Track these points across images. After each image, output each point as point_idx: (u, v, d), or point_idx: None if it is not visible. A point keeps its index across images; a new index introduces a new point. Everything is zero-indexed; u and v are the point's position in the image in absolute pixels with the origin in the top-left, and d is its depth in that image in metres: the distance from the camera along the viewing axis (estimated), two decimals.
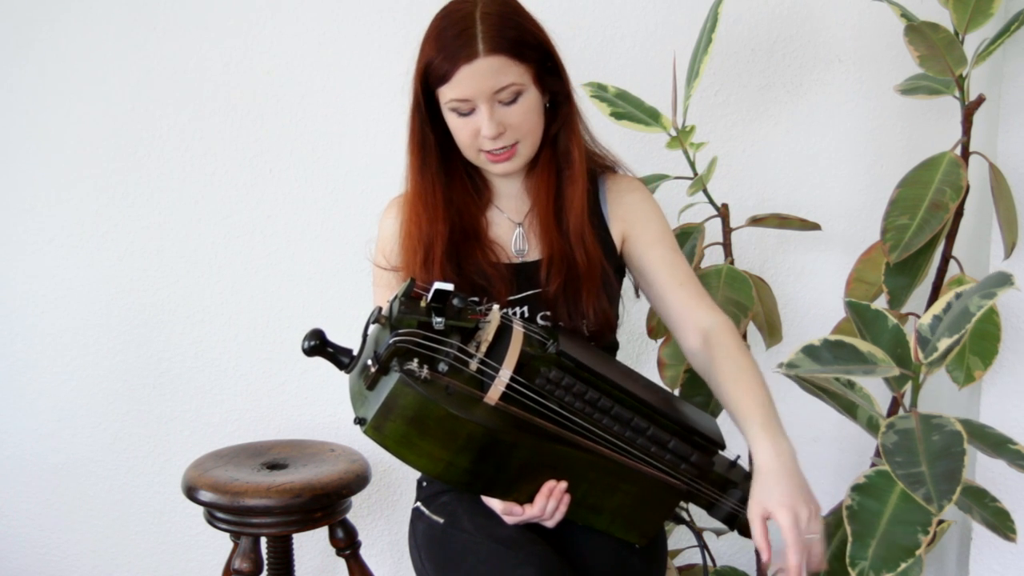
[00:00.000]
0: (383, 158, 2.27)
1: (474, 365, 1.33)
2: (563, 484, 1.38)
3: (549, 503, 1.38)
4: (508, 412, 1.32)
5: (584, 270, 1.54)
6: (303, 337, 1.38)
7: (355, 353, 1.41)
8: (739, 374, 1.47)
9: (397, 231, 1.61)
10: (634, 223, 1.62)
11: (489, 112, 1.47)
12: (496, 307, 1.45)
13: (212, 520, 1.97)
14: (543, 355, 1.39)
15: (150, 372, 2.35)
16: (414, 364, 1.28)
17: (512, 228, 1.62)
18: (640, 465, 1.40)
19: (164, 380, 2.35)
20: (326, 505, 1.94)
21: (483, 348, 1.36)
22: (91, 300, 2.33)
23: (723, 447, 1.51)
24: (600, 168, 1.66)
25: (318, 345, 1.38)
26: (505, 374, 1.33)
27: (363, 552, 2.09)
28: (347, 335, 2.31)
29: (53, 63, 2.25)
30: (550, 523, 1.41)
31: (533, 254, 1.60)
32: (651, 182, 1.93)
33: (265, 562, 1.99)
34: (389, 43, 2.23)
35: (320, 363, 2.32)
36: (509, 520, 1.42)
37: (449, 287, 1.34)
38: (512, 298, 1.56)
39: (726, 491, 1.50)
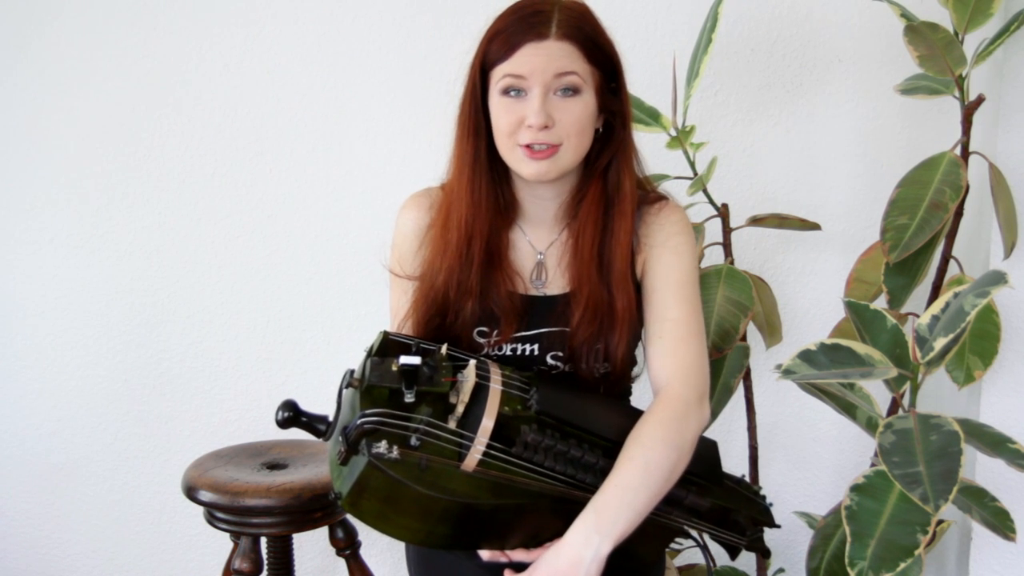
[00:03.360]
0: (383, 158, 2.27)
1: (451, 429, 1.28)
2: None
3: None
4: (487, 477, 1.27)
5: (620, 316, 1.44)
6: (276, 408, 1.35)
7: (330, 419, 1.37)
8: (633, 446, 1.35)
9: (416, 230, 1.52)
10: (652, 259, 1.49)
11: (541, 98, 1.37)
12: (472, 363, 1.36)
13: (212, 520, 1.97)
14: (522, 414, 1.32)
15: (150, 372, 2.35)
16: (382, 446, 1.22)
17: (532, 255, 1.51)
18: None
19: (164, 380, 2.36)
20: (326, 505, 1.94)
21: (459, 410, 1.30)
22: (91, 300, 2.33)
23: (719, 482, 1.46)
24: (641, 199, 1.53)
25: (291, 416, 1.35)
26: (481, 441, 1.27)
27: (363, 552, 2.09)
28: (346, 334, 2.32)
29: (53, 63, 2.25)
30: None
31: (553, 288, 1.49)
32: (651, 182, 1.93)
33: (265, 562, 1.99)
34: (389, 43, 2.23)
35: (320, 364, 2.34)
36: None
37: (416, 361, 1.29)
38: (524, 334, 1.47)
39: (727, 520, 1.48)
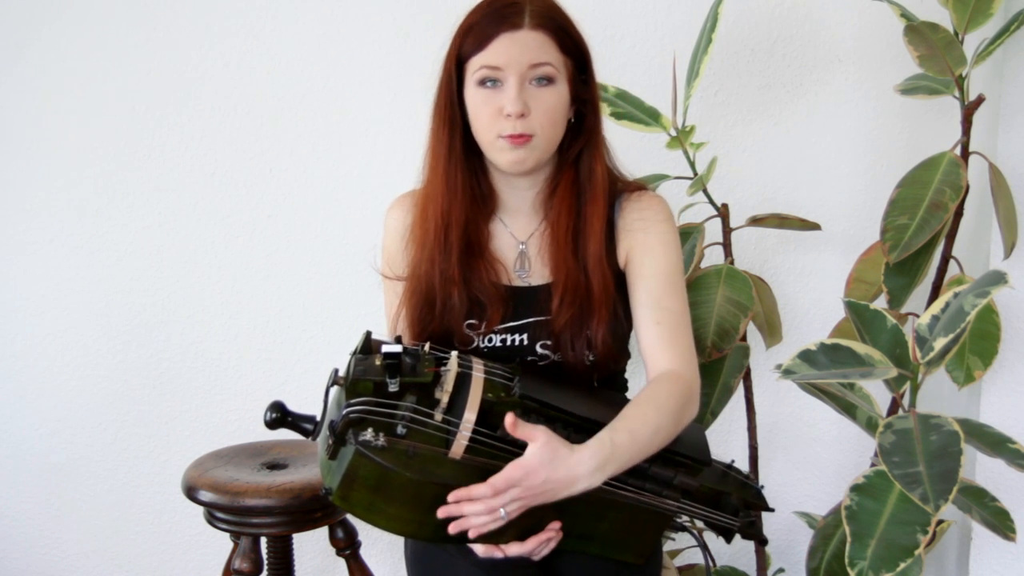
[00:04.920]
0: (383, 158, 2.27)
1: (436, 419, 1.30)
2: (556, 524, 1.36)
3: (541, 547, 1.37)
4: (475, 463, 1.29)
5: (598, 298, 1.47)
6: (265, 410, 1.38)
7: (318, 419, 1.39)
8: (647, 405, 1.39)
9: (402, 229, 1.56)
10: (636, 247, 1.52)
11: (518, 87, 1.41)
12: (455, 354, 1.39)
13: (212, 520, 1.97)
14: (506, 400, 1.34)
15: (150, 372, 2.35)
16: (369, 433, 1.25)
17: (515, 246, 1.55)
18: (621, 491, 1.37)
19: (164, 380, 2.36)
20: (326, 505, 1.94)
21: (444, 400, 1.32)
22: (91, 300, 2.33)
23: (708, 463, 1.48)
24: (622, 188, 1.57)
25: (279, 417, 1.38)
26: (467, 427, 1.30)
27: (363, 552, 2.09)
28: (346, 334, 2.31)
29: (53, 63, 2.25)
30: (535, 557, 1.40)
31: (536, 278, 1.53)
32: (651, 182, 1.93)
33: (265, 562, 1.99)
34: (389, 43, 2.23)
35: (320, 364, 2.34)
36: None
37: (397, 349, 1.31)
38: (511, 324, 1.50)
39: (720, 503, 1.49)
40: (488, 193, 1.54)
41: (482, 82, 1.44)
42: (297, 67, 2.25)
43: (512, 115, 1.41)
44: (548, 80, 1.44)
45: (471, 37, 1.44)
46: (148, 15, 2.23)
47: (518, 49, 1.41)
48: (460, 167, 1.49)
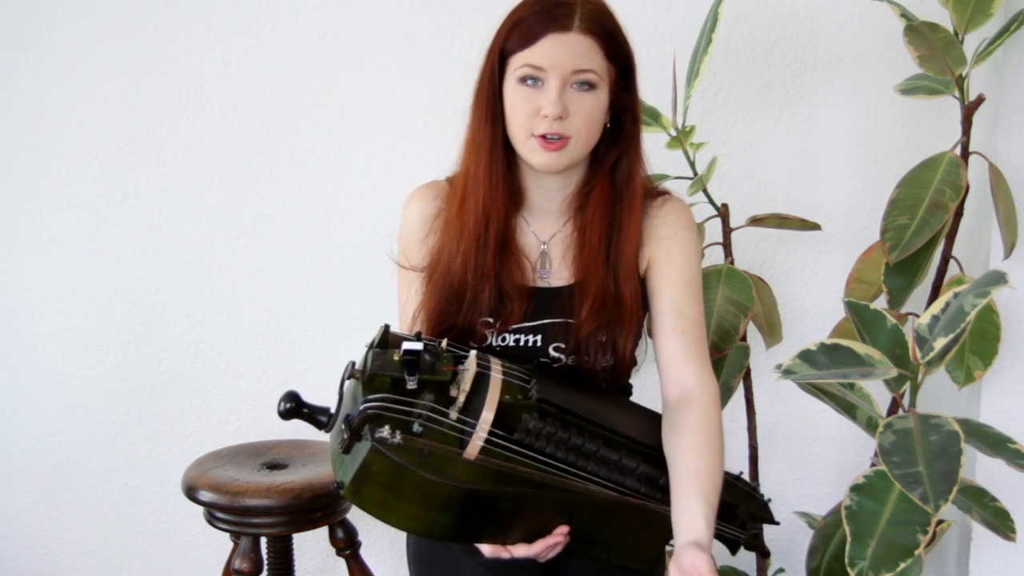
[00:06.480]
0: (383, 158, 2.27)
1: (452, 418, 1.29)
2: (564, 528, 1.36)
3: (548, 551, 1.37)
4: (488, 465, 1.28)
5: (629, 307, 1.46)
6: (279, 399, 1.37)
7: (332, 411, 1.38)
8: (711, 452, 1.39)
9: (422, 220, 1.53)
10: (660, 254, 1.51)
11: (559, 89, 1.39)
12: (473, 354, 1.38)
13: (212, 520, 1.97)
14: (523, 403, 1.33)
15: (150, 372, 2.35)
16: (385, 431, 1.24)
17: (536, 246, 1.53)
18: (632, 499, 1.37)
19: (164, 380, 2.36)
20: (326, 505, 1.94)
21: (460, 399, 1.31)
22: (91, 300, 2.33)
23: None
24: (646, 194, 1.55)
25: (293, 408, 1.37)
26: (483, 429, 1.29)
27: (363, 552, 2.09)
28: (346, 334, 2.32)
29: (53, 63, 2.25)
30: (540, 560, 1.39)
31: (556, 280, 1.51)
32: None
33: (265, 562, 1.99)
34: (389, 43, 2.23)
35: (320, 364, 2.34)
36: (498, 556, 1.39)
37: (418, 347, 1.30)
38: (527, 324, 1.48)
39: (728, 515, 1.48)
40: (517, 189, 1.52)
41: (523, 79, 1.41)
42: (297, 67, 2.25)
43: (550, 117, 1.40)
44: (590, 86, 1.41)
45: (517, 32, 1.41)
46: (148, 15, 2.23)
47: (564, 52, 1.39)
48: (500, 162, 1.47)
